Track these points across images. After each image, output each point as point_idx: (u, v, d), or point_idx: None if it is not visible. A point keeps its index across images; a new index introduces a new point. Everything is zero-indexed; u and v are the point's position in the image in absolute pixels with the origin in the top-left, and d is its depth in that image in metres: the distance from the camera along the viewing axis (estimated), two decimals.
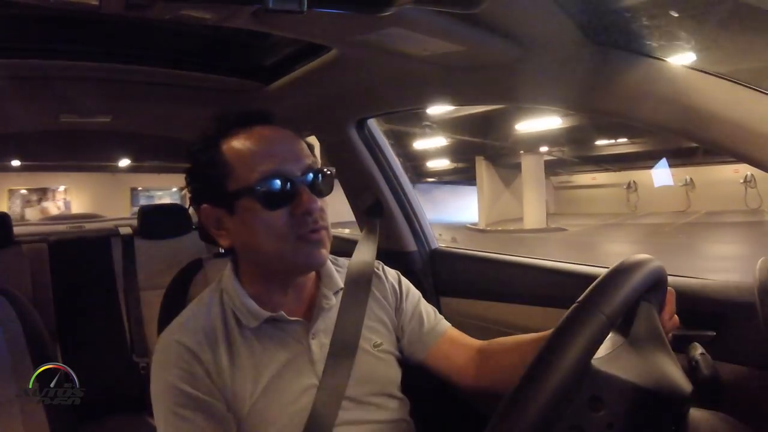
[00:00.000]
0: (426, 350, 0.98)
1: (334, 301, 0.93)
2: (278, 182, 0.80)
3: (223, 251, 1.33)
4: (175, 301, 1.11)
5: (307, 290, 0.92)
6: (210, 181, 0.83)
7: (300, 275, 0.88)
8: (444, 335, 1.00)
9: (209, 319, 0.86)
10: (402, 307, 1.00)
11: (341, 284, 0.95)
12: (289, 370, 0.85)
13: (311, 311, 0.90)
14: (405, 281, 1.04)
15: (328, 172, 0.86)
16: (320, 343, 0.88)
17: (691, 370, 0.72)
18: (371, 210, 1.53)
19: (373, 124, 1.52)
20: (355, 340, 0.90)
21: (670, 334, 0.76)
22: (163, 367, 0.81)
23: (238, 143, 0.83)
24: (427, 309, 1.02)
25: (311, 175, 0.82)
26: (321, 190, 0.84)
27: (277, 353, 0.85)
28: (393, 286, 1.01)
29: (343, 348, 0.88)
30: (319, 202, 0.82)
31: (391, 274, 1.03)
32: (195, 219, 2.30)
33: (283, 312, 0.86)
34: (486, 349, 0.98)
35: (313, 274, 0.93)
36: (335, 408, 0.84)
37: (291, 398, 0.84)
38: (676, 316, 0.75)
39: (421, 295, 1.04)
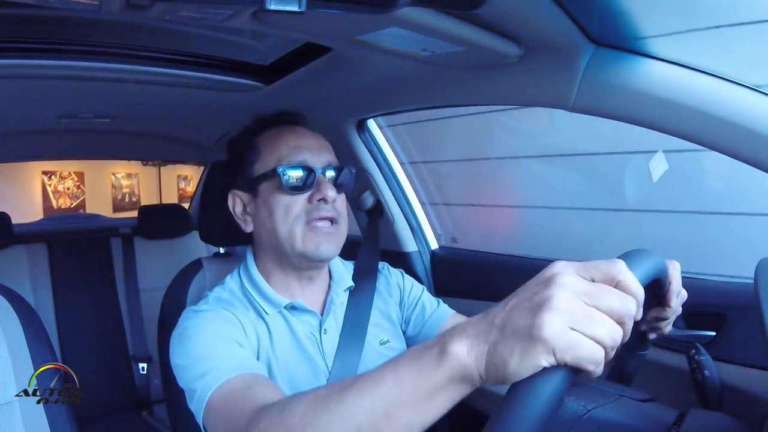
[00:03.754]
0: (433, 334, 1.00)
1: (344, 298, 0.97)
2: (301, 170, 0.87)
3: (223, 251, 1.35)
4: (175, 301, 1.11)
5: (321, 287, 0.96)
6: (241, 166, 0.92)
7: (310, 265, 0.91)
8: (449, 318, 1.02)
9: (237, 301, 0.90)
10: (406, 301, 1.04)
11: (351, 282, 0.99)
12: (301, 361, 0.88)
13: (324, 307, 0.94)
14: (408, 277, 1.09)
15: (349, 170, 0.93)
16: (330, 338, 0.91)
17: (691, 370, 0.72)
18: (371, 210, 1.53)
19: (373, 125, 1.52)
20: (362, 335, 0.93)
21: (669, 327, 0.75)
22: (194, 316, 0.82)
23: (270, 134, 0.92)
24: (430, 298, 1.06)
25: (332, 169, 0.90)
26: (340, 184, 0.91)
27: (291, 343, 0.89)
28: (397, 282, 1.06)
29: (351, 343, 0.92)
30: (336, 196, 0.88)
31: (395, 272, 1.08)
32: (195, 219, 2.30)
33: (300, 300, 0.91)
34: None
35: (326, 272, 0.98)
36: None
37: (302, 386, 0.86)
38: (684, 291, 0.70)
39: (425, 288, 1.08)
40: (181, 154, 2.49)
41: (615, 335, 0.40)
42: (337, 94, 1.29)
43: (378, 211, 1.53)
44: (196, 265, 1.19)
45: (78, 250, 2.18)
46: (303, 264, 0.90)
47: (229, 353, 0.76)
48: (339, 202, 0.90)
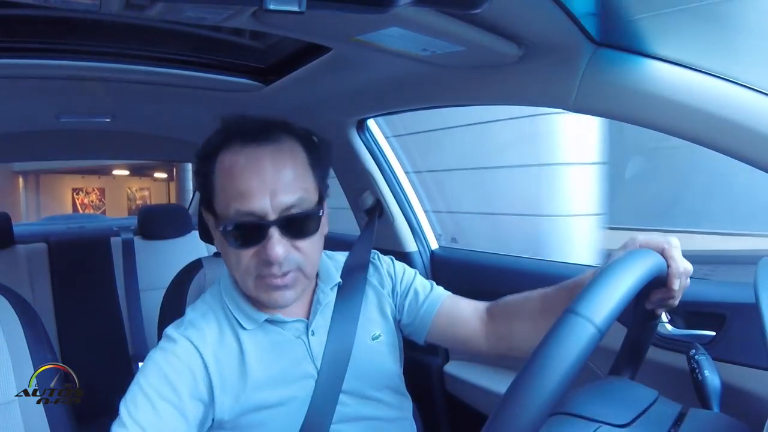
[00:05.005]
0: (429, 320, 0.98)
1: (332, 297, 0.93)
2: (247, 225, 0.78)
3: None
4: (175, 301, 1.11)
5: (307, 289, 0.92)
6: (203, 191, 0.85)
7: None
8: (445, 300, 1.00)
9: (212, 320, 0.87)
10: (398, 288, 1.01)
11: (338, 278, 0.95)
12: (289, 366, 0.86)
13: (310, 309, 0.91)
14: (399, 263, 1.05)
15: (311, 213, 0.82)
16: (319, 339, 0.89)
17: (691, 370, 0.72)
18: (371, 210, 1.53)
19: (373, 125, 1.52)
20: (352, 332, 0.91)
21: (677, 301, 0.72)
22: (161, 351, 0.83)
23: (229, 163, 0.80)
24: (423, 282, 1.03)
25: (286, 218, 0.79)
26: (297, 232, 0.81)
27: (277, 351, 0.86)
28: (387, 271, 1.02)
29: (340, 341, 0.89)
30: (291, 247, 0.80)
31: (385, 260, 1.05)
32: (195, 219, 2.30)
33: (280, 314, 0.87)
34: (494, 311, 0.97)
35: None
36: (333, 401, 0.85)
37: (290, 392, 0.84)
38: (688, 265, 0.69)
39: (417, 272, 1.05)
40: (180, 155, 2.49)
41: None
42: (336, 94, 1.29)
43: (378, 211, 1.52)
44: (196, 265, 1.19)
45: (78, 250, 2.18)
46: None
47: (146, 417, 0.75)
48: (302, 247, 0.81)
